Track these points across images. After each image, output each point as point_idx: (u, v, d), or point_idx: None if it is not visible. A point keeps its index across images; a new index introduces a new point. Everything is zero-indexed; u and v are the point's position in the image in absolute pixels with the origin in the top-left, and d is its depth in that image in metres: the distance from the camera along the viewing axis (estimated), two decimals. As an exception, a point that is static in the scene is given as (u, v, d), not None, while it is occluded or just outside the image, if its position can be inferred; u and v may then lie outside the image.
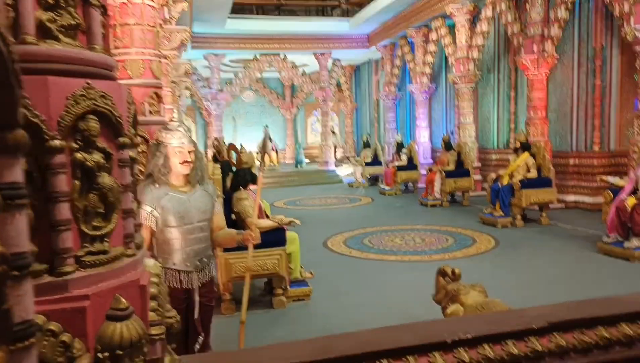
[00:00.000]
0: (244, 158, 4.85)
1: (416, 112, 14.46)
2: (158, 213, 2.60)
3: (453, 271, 2.78)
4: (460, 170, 10.47)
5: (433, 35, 12.86)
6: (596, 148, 9.22)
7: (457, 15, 11.26)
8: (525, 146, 8.27)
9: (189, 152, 2.65)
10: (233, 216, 4.80)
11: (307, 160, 20.03)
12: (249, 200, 4.70)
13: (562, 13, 8.86)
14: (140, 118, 3.36)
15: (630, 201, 5.81)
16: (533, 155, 8.26)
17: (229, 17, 13.58)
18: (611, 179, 6.54)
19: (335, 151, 20.38)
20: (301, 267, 5.25)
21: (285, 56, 16.62)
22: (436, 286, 2.91)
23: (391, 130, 16.39)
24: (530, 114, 9.65)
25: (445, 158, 10.76)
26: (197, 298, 2.71)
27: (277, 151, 17.75)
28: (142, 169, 3.10)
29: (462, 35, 11.36)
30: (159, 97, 3.46)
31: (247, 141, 19.66)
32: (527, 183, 7.96)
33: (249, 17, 15.26)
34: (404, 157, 12.94)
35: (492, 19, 10.86)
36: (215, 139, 8.94)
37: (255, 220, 4.68)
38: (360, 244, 7.38)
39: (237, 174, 4.86)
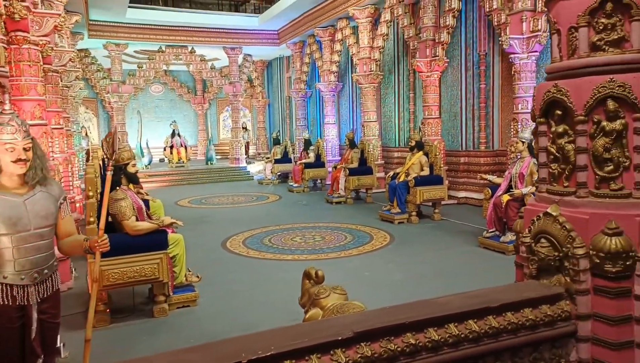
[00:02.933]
0: (123, 155, 4.54)
1: (325, 110, 14.66)
2: None
3: (316, 274, 2.78)
4: (364, 167, 10.75)
5: (339, 35, 13.08)
6: (482, 147, 9.92)
7: (359, 17, 11.55)
8: (419, 145, 8.67)
9: (25, 149, 2.35)
10: (110, 219, 4.49)
11: (218, 156, 19.55)
12: (126, 200, 4.42)
13: (449, 20, 9.40)
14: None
15: (505, 198, 6.28)
16: (427, 154, 8.68)
17: (129, 6, 12.80)
18: (490, 177, 7.05)
19: (247, 148, 20.10)
20: (188, 271, 5.05)
21: (193, 49, 16.04)
22: (302, 289, 2.90)
23: (302, 127, 16.47)
24: (425, 114, 10.15)
25: (349, 155, 10.99)
26: (34, 315, 2.43)
27: (186, 148, 17.08)
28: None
29: (364, 36, 11.68)
30: (1, 86, 3.09)
31: (157, 136, 18.83)
32: (420, 181, 8.35)
33: (151, 7, 14.48)
34: (311, 154, 13.04)
35: (391, 23, 11.26)
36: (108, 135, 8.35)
37: (133, 222, 4.46)
38: (260, 243, 7.30)
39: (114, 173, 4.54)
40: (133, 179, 4.59)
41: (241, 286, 5.42)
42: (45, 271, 2.47)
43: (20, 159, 2.32)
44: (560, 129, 1.91)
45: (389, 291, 5.08)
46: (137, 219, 4.49)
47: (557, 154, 1.92)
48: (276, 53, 18.40)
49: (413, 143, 8.67)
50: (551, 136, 1.96)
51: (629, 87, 1.76)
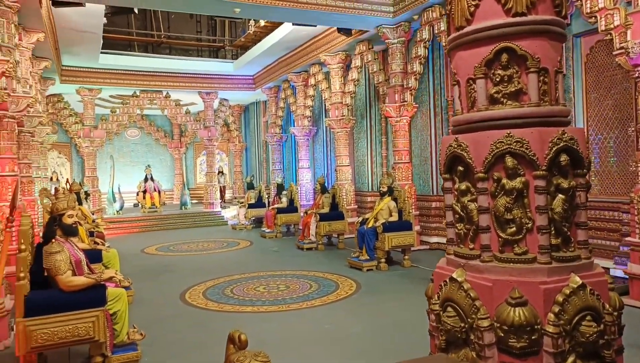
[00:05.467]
0: (59, 205, 4.29)
1: (299, 154, 14.63)
2: None
3: (239, 338, 2.53)
4: (335, 212, 10.58)
5: (312, 80, 13.23)
6: (453, 191, 9.86)
7: (330, 63, 11.72)
8: (389, 190, 8.56)
9: None
10: (46, 273, 4.20)
11: (194, 201, 19.23)
12: (63, 253, 4.14)
13: (416, 67, 9.57)
14: None
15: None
16: (395, 199, 8.57)
17: (102, 52, 12.83)
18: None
19: (224, 192, 19.86)
20: (133, 327, 4.70)
21: (168, 94, 16.05)
22: (225, 354, 2.64)
23: (277, 171, 16.37)
24: (395, 158, 10.13)
25: (320, 200, 10.84)
26: None
27: (159, 192, 16.77)
28: None
29: (335, 82, 11.82)
30: None
31: (133, 180, 18.50)
32: (389, 227, 8.18)
33: (124, 53, 14.57)
34: (284, 199, 12.87)
35: (362, 68, 11.44)
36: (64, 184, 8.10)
37: (68, 277, 4.17)
38: (221, 294, 6.96)
39: (47, 224, 4.28)
40: (69, 231, 4.32)
41: (191, 343, 5.08)
42: None
43: None
44: (463, 186, 1.77)
45: (344, 346, 4.82)
46: (74, 274, 4.21)
47: (461, 213, 1.77)
48: (252, 98, 18.56)
49: (385, 188, 8.56)
50: (456, 193, 1.81)
51: (527, 142, 1.63)
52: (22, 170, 8.11)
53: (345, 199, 11.41)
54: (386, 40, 9.96)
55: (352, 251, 9.08)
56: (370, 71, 10.88)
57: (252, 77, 16.46)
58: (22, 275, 3.97)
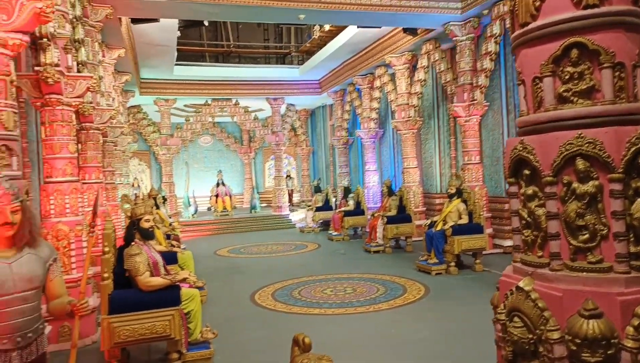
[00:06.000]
0: (137, 210, 4.59)
1: (365, 157, 14.57)
2: None
3: (303, 341, 2.56)
4: (403, 215, 10.41)
5: (377, 83, 13.14)
6: (528, 193, 9.34)
7: (396, 64, 11.57)
8: (458, 192, 8.29)
9: (13, 212, 2.38)
10: (127, 274, 4.51)
11: (263, 204, 19.77)
12: (141, 255, 4.42)
13: (487, 64, 9.18)
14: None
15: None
16: (465, 201, 8.27)
17: (176, 64, 13.58)
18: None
19: (291, 196, 20.22)
20: (206, 326, 4.92)
21: (237, 101, 16.65)
22: (290, 357, 2.67)
23: (344, 174, 16.41)
24: (464, 159, 9.79)
25: (387, 203, 10.72)
26: None
27: (230, 196, 17.42)
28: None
29: (402, 83, 11.64)
30: (9, 149, 3.22)
31: (206, 185, 19.38)
32: (458, 229, 7.92)
33: (196, 63, 15.32)
34: (351, 202, 12.86)
35: (429, 68, 11.18)
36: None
37: (146, 278, 4.44)
38: (289, 296, 7.09)
39: (127, 228, 4.59)
40: (146, 234, 4.60)
41: (260, 343, 5.21)
42: (30, 335, 2.41)
43: (6, 223, 2.33)
44: (530, 191, 1.66)
45: (410, 352, 4.72)
46: (151, 275, 4.48)
47: (528, 219, 1.66)
48: (318, 102, 18.75)
49: (453, 190, 8.30)
50: (522, 198, 1.70)
51: (601, 143, 1.49)
52: (106, 177, 8.76)
53: (412, 202, 11.19)
54: (454, 38, 9.67)
55: (420, 254, 8.89)
56: (437, 71, 10.61)
57: (318, 82, 16.64)
58: (106, 275, 4.29)
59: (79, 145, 7.01)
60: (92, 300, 5.59)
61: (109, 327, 4.17)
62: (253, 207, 17.69)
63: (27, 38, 3.35)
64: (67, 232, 5.23)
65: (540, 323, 1.53)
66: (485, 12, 8.90)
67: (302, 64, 16.46)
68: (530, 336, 1.55)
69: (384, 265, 9.01)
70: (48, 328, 4.23)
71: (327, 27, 13.12)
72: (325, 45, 13.84)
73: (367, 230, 11.45)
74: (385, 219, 10.17)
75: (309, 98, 17.56)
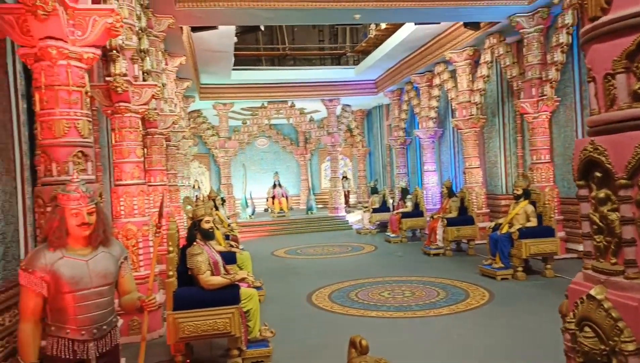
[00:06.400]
0: (198, 212, 4.69)
1: (424, 157, 14.21)
2: (50, 278, 2.45)
3: (360, 343, 2.46)
4: (464, 217, 10.02)
5: (436, 80, 12.77)
6: (604, 193, 8.68)
7: (457, 60, 11.19)
8: (526, 193, 7.85)
9: (89, 213, 2.52)
10: (189, 272, 4.61)
11: (320, 206, 19.83)
12: (202, 255, 4.51)
13: (558, 56, 8.63)
14: (62, 177, 3.29)
15: None
16: (533, 202, 7.82)
17: (233, 69, 13.92)
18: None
19: (348, 197, 20.14)
20: (264, 325, 4.94)
21: (293, 103, 16.82)
22: (347, 358, 2.58)
23: (402, 175, 16.11)
24: (533, 158, 9.27)
25: (447, 204, 10.37)
26: None
27: (287, 198, 17.62)
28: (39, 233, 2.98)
29: (463, 80, 11.23)
30: (85, 155, 3.38)
31: (263, 187, 19.76)
32: (526, 233, 7.48)
33: (251, 68, 15.65)
34: (409, 203, 12.58)
35: (492, 63, 10.71)
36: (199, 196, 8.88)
37: (207, 277, 4.52)
38: (346, 298, 7.00)
39: (189, 229, 4.70)
40: (206, 235, 4.69)
41: (317, 343, 5.17)
42: (104, 327, 2.58)
43: (84, 223, 2.49)
44: (602, 194, 1.52)
45: (472, 359, 4.49)
46: (212, 274, 4.55)
47: (600, 223, 1.51)
48: (375, 102, 18.56)
49: (520, 191, 7.85)
50: (593, 202, 1.55)
51: None
52: (169, 180, 9.09)
53: (475, 203, 10.77)
54: (521, 30, 9.18)
55: (484, 258, 8.52)
56: (502, 66, 10.13)
57: (373, 82, 16.46)
58: (170, 273, 4.41)
59: (145, 149, 7.31)
60: (159, 296, 5.78)
61: (174, 322, 4.29)
62: (309, 208, 17.77)
63: (99, 51, 3.51)
64: (135, 232, 5.46)
65: (614, 334, 1.41)
66: (556, 1, 8.37)
67: (357, 64, 16.36)
68: (603, 347, 1.43)
69: (445, 268, 8.71)
70: (120, 322, 4.43)
71: (383, 25, 12.93)
72: (381, 44, 13.65)
73: (426, 232, 11.15)
74: (446, 222, 9.83)
75: (364, 98, 17.41)
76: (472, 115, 11.10)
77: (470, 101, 11.13)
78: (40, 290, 2.43)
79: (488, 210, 11.33)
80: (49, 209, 3.15)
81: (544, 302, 6.24)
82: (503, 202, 11.36)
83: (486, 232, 8.49)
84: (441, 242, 10.02)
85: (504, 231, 7.77)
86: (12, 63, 3.98)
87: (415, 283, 7.61)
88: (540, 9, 8.76)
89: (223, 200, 12.50)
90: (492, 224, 8.25)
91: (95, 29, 3.34)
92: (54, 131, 3.28)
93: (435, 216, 10.46)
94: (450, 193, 10.42)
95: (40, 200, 3.39)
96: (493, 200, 11.67)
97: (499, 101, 11.62)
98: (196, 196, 13.72)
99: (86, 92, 3.42)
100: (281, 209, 17.08)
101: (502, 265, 7.62)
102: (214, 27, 9.51)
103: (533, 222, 7.65)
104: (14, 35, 3.32)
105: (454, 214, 10.06)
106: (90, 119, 3.48)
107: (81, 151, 3.36)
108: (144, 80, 5.95)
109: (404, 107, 15.50)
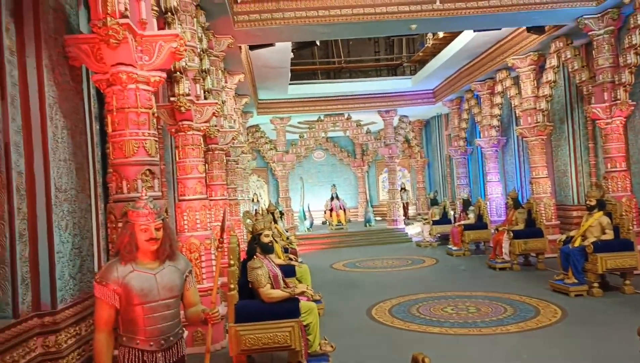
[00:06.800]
0: (257, 226, 4.77)
1: (487, 167, 13.69)
2: (122, 291, 2.57)
3: (423, 361, 2.36)
4: (532, 229, 9.51)
5: (498, 87, 12.33)
6: (691, 203, 7.95)
7: (520, 67, 10.75)
8: (600, 204, 7.33)
9: (156, 229, 2.63)
10: (250, 285, 4.69)
11: (378, 218, 19.61)
12: (263, 269, 4.58)
13: (631, 58, 8.06)
14: (132, 194, 3.46)
15: None
16: (609, 214, 7.29)
17: (290, 84, 14.18)
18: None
19: (406, 208, 19.78)
20: (324, 339, 4.91)
21: (349, 116, 16.84)
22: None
23: (463, 186, 15.61)
24: (607, 166, 8.67)
25: (513, 216, 9.89)
26: None
27: (345, 210, 17.56)
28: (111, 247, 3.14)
29: (527, 86, 10.76)
30: (152, 173, 3.54)
31: (319, 200, 19.87)
32: (602, 246, 6.97)
33: (308, 81, 15.87)
34: (471, 215, 12.14)
35: (559, 68, 10.18)
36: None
37: (268, 290, 4.57)
38: (407, 312, 6.83)
39: (249, 242, 4.78)
40: (266, 249, 4.75)
41: (377, 359, 5.06)
42: (171, 338, 2.66)
43: (152, 238, 2.60)
44: None
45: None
46: (272, 287, 4.60)
47: None
48: (433, 112, 18.19)
49: (593, 202, 7.34)
50: None
51: None
52: (229, 194, 9.34)
53: (543, 215, 10.22)
54: (589, 33, 8.69)
55: (555, 272, 8.04)
56: (569, 70, 9.61)
57: (431, 91, 16.16)
58: (232, 286, 4.51)
59: (206, 165, 7.57)
60: (221, 308, 5.91)
61: (236, 334, 4.37)
62: (367, 221, 17.62)
63: (164, 74, 3.70)
64: (198, 245, 5.64)
65: None
66: (627, 0, 7.85)
67: (414, 74, 16.15)
68: None
69: (512, 283, 8.29)
70: (185, 333, 4.57)
71: (440, 34, 12.70)
72: (438, 52, 13.40)
73: (491, 245, 10.69)
74: (512, 234, 9.38)
75: (422, 108, 17.12)
76: (538, 122, 10.59)
77: (535, 108, 10.63)
78: (113, 302, 2.55)
79: (558, 222, 10.70)
80: (120, 224, 3.31)
81: (623, 321, 5.77)
82: (575, 213, 10.68)
83: (557, 245, 8.02)
84: (507, 256, 9.56)
85: (576, 244, 7.29)
86: (86, 88, 4.28)
87: (481, 299, 7.29)
88: (610, 10, 8.25)
89: (281, 213, 12.69)
90: (563, 237, 7.76)
91: (161, 54, 3.52)
92: (124, 150, 3.47)
93: (500, 229, 10.01)
94: (516, 204, 9.95)
95: (112, 216, 3.58)
96: (563, 211, 11.01)
97: (567, 106, 11.00)
98: (255, 209, 14.02)
99: (153, 113, 3.60)
100: (339, 221, 17.05)
101: (576, 281, 7.14)
102: (271, 45, 9.75)
103: (609, 235, 7.12)
104: (89, 63, 3.56)
105: (520, 226, 9.58)
106: (156, 139, 3.65)
107: (149, 169, 3.52)
108: (205, 98, 6.19)
109: (464, 116, 15.07)
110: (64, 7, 3.79)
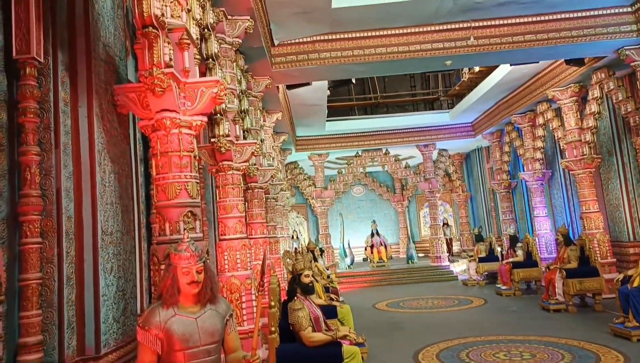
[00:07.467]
0: (297, 266, 4.69)
1: (533, 201, 13.17)
2: (164, 336, 2.55)
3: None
4: (586, 268, 8.97)
5: (539, 120, 12.00)
6: None
7: (560, 98, 10.46)
8: (661, 239, 6.85)
9: (197, 272, 2.62)
10: (291, 328, 4.58)
11: (421, 254, 19.11)
12: (304, 310, 4.47)
13: (680, 86, 7.69)
14: (174, 236, 3.48)
15: None
16: (672, 250, 6.78)
17: (327, 120, 14.33)
18: None
19: (450, 245, 19.21)
20: (368, 387, 4.69)
21: (387, 151, 16.77)
22: None
23: (508, 221, 15.03)
24: (665, 200, 8.14)
25: (564, 253, 9.38)
26: None
27: (386, 247, 17.23)
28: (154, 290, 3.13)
29: (570, 118, 10.42)
30: (193, 215, 3.56)
31: (359, 236, 19.61)
32: (666, 286, 6.46)
33: (345, 118, 16.01)
34: (519, 252, 11.60)
35: (602, 99, 9.83)
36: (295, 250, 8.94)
37: (309, 333, 4.44)
38: (456, 358, 6.48)
39: (289, 283, 4.70)
40: (306, 289, 4.66)
41: (427, 412, 4.76)
42: None
43: (193, 281, 2.59)
44: None
45: None
46: (313, 330, 4.47)
47: None
48: (473, 145, 17.87)
49: (651, 236, 6.89)
50: None
51: None
52: (269, 232, 9.34)
53: (597, 252, 9.64)
54: (632, 63, 8.40)
55: (614, 315, 7.48)
56: (614, 101, 9.26)
57: (470, 124, 15.93)
58: (273, 329, 4.40)
59: (246, 203, 7.62)
60: (262, 352, 5.80)
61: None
62: (410, 257, 17.18)
63: (205, 118, 3.79)
64: (239, 285, 5.59)
65: None
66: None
67: (451, 108, 16.00)
68: None
69: (568, 326, 7.77)
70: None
71: (476, 68, 12.60)
72: (475, 86, 13.26)
73: (543, 284, 10.13)
74: (565, 273, 8.87)
75: (461, 142, 16.85)
76: (585, 155, 10.16)
77: (581, 140, 10.24)
78: (155, 347, 2.53)
79: (614, 260, 10.05)
80: (162, 267, 3.32)
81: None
82: (631, 250, 10.03)
83: (614, 285, 7.48)
84: (562, 296, 9.01)
85: (635, 284, 6.78)
86: (132, 132, 4.44)
87: (535, 344, 6.84)
88: (652, 39, 7.97)
89: (322, 251, 12.55)
90: (620, 276, 7.25)
91: (202, 99, 3.62)
92: (167, 193, 3.52)
93: (552, 267, 9.50)
94: (567, 241, 9.44)
95: (155, 258, 3.60)
96: (619, 248, 10.35)
97: (615, 138, 10.53)
98: (295, 247, 13.95)
99: (195, 156, 3.66)
100: (380, 258, 16.72)
101: (637, 324, 6.61)
102: (308, 84, 9.93)
103: (674, 273, 6.60)
104: (135, 110, 3.70)
105: (573, 264, 9.05)
106: (198, 181, 3.70)
107: (190, 211, 3.55)
108: (244, 138, 6.29)
109: (506, 149, 14.69)
110: (114, 60, 3.98)
